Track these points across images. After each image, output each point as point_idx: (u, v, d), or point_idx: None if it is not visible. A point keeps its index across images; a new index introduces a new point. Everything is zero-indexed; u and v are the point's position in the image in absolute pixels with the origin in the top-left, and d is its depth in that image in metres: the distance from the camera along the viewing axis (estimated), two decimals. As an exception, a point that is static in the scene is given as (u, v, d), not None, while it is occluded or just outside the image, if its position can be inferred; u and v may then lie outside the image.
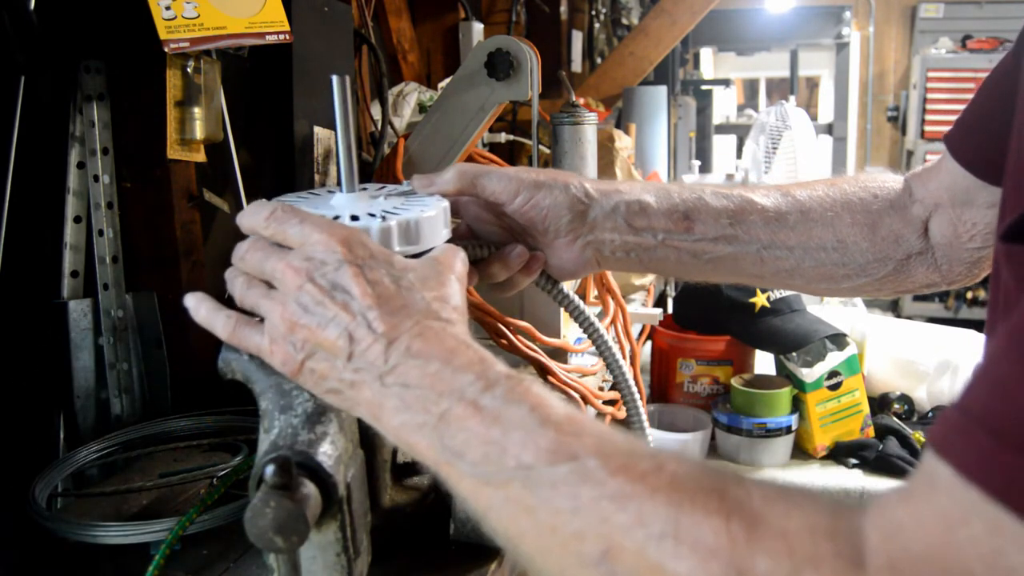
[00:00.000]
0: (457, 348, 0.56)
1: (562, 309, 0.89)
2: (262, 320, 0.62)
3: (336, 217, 0.65)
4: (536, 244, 0.77)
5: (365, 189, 0.74)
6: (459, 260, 0.65)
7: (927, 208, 0.81)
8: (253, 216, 0.64)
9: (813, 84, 8.79)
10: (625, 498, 0.46)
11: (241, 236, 0.68)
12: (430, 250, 0.66)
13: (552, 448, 0.50)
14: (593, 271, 0.80)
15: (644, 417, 0.84)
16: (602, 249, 0.77)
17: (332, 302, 0.57)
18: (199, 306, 0.66)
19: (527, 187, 0.75)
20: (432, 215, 0.68)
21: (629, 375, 0.80)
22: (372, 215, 0.66)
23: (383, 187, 0.77)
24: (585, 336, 0.84)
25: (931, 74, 6.01)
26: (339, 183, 0.70)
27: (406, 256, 0.63)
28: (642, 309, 1.73)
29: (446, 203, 0.72)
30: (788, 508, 0.44)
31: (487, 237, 0.77)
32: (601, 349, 0.79)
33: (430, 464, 0.56)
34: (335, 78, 0.65)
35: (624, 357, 1.59)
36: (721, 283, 0.90)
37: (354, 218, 0.65)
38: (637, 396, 0.81)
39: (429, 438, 0.54)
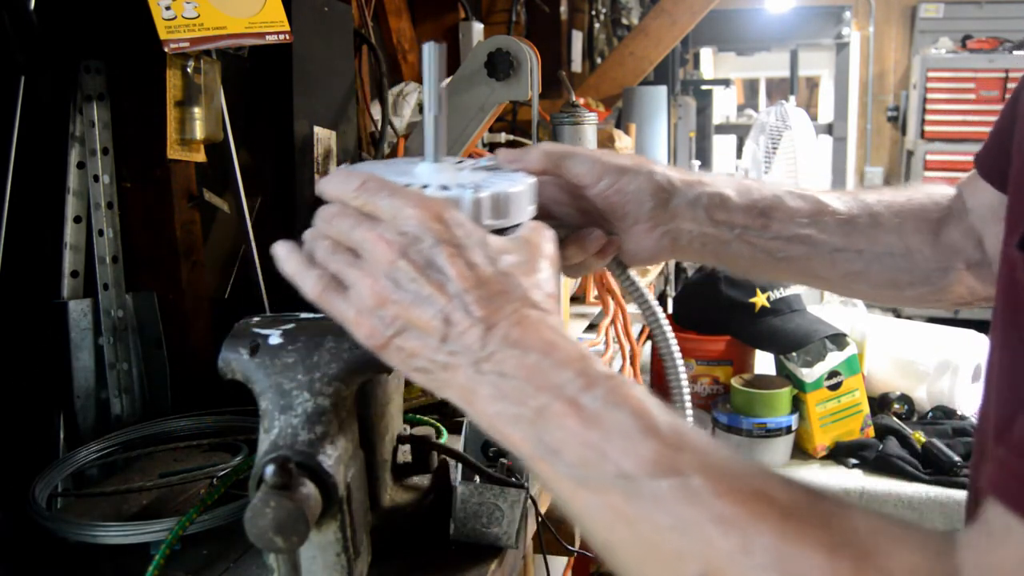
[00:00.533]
0: (556, 341, 0.55)
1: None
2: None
3: (424, 187, 0.63)
4: (612, 228, 0.76)
5: (447, 160, 0.71)
6: (550, 243, 0.63)
7: (979, 220, 0.81)
8: (342, 184, 0.60)
9: (813, 84, 8.79)
10: (729, 523, 0.46)
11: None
12: (516, 226, 0.64)
13: (655, 460, 0.49)
14: (666, 259, 0.80)
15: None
16: (679, 238, 0.76)
17: (427, 281, 0.55)
18: (288, 258, 0.61)
19: (611, 172, 0.73)
20: (522, 190, 0.66)
21: (684, 377, 0.79)
22: (462, 186, 0.63)
23: (464, 160, 0.75)
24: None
25: (931, 74, 6.01)
26: (424, 152, 0.68)
27: (492, 231, 0.61)
28: (642, 309, 1.73)
29: (533, 179, 0.70)
30: (891, 545, 0.44)
31: (562, 218, 0.75)
32: (660, 342, 0.77)
33: (524, 457, 0.55)
34: (429, 45, 0.63)
35: (624, 357, 1.59)
36: (790, 282, 0.90)
37: (444, 188, 0.63)
38: (689, 401, 0.81)
39: (525, 432, 0.53)
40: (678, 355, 0.77)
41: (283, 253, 0.62)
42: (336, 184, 0.61)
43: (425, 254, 0.56)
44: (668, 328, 0.77)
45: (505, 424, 0.54)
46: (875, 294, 0.85)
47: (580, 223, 0.75)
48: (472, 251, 0.57)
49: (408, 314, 0.56)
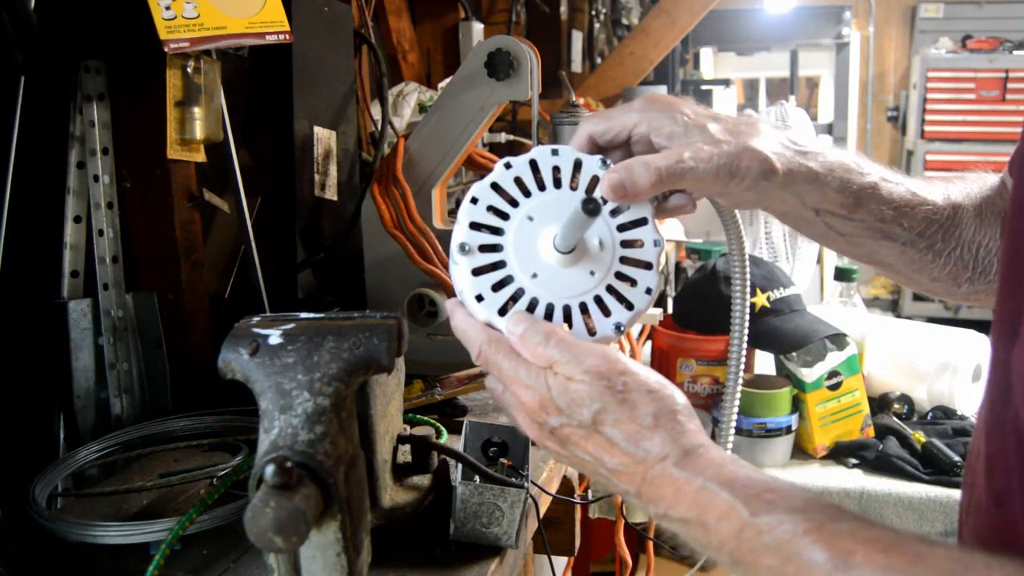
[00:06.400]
0: (715, 491, 0.58)
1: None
2: None
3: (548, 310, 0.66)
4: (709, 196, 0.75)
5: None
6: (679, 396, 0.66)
7: None
8: (465, 341, 0.68)
9: (813, 84, 8.78)
10: None
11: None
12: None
13: None
14: (751, 208, 0.80)
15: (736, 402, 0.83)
16: (767, 204, 0.75)
17: (572, 454, 0.64)
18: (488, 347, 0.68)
19: (723, 178, 0.68)
20: (643, 303, 0.68)
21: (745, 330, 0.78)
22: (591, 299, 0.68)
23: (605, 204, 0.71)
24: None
25: (931, 74, 6.01)
26: (555, 238, 0.67)
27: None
28: (642, 309, 1.73)
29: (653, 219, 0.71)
30: None
31: None
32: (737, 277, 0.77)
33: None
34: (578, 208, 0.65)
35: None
36: (851, 258, 0.88)
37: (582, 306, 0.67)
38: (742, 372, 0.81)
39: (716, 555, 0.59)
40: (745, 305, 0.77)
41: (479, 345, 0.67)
42: (461, 337, 0.68)
43: (560, 435, 0.64)
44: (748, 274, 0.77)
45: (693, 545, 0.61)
46: (932, 287, 0.84)
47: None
48: (575, 430, 0.63)
49: (568, 456, 0.64)
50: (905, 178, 0.79)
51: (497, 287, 0.65)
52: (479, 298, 0.65)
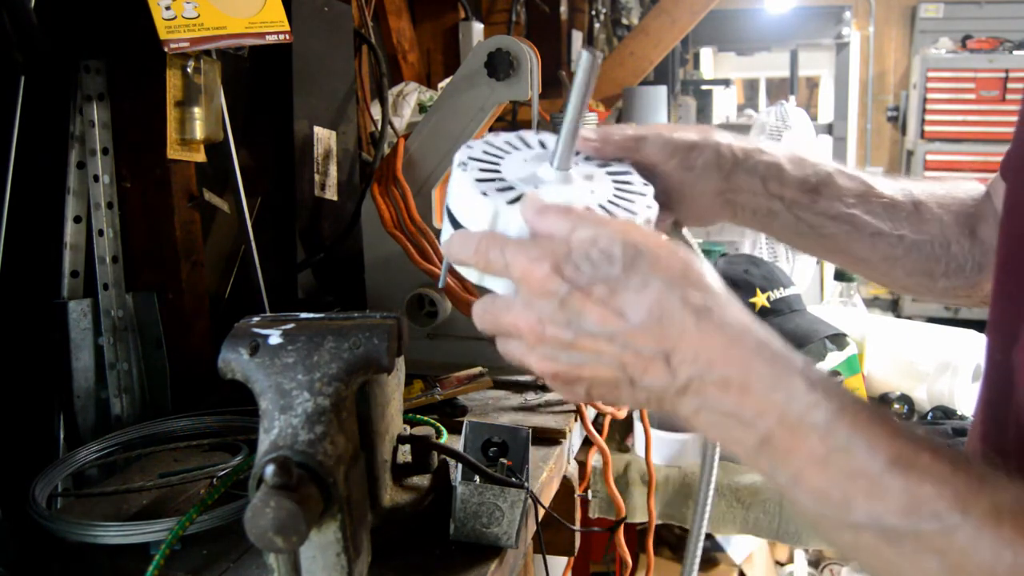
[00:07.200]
0: (748, 349, 0.51)
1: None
2: None
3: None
4: (675, 195, 0.76)
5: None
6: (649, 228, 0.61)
7: None
8: (458, 252, 0.60)
9: (813, 84, 8.79)
10: (1008, 575, 0.43)
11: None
12: None
13: (908, 504, 0.46)
14: (723, 222, 0.80)
15: None
16: (736, 204, 0.78)
17: (577, 343, 0.54)
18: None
19: (681, 150, 0.74)
20: (645, 214, 0.66)
21: None
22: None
23: (577, 155, 0.73)
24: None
25: (931, 74, 6.01)
26: (551, 158, 0.66)
27: None
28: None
29: (651, 188, 0.70)
30: None
31: None
32: None
33: (767, 480, 0.53)
34: (585, 53, 0.62)
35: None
36: (831, 260, 0.90)
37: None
38: None
39: (755, 459, 0.51)
40: None
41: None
42: (456, 250, 0.60)
43: (559, 317, 0.54)
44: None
45: (732, 446, 0.53)
46: (909, 282, 0.85)
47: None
48: (598, 286, 0.54)
49: (583, 375, 0.55)
50: (860, 172, 0.81)
51: (502, 191, 0.62)
52: (484, 195, 0.60)
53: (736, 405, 0.51)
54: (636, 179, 0.70)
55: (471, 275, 0.61)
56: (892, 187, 0.82)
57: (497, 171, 0.64)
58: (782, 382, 0.50)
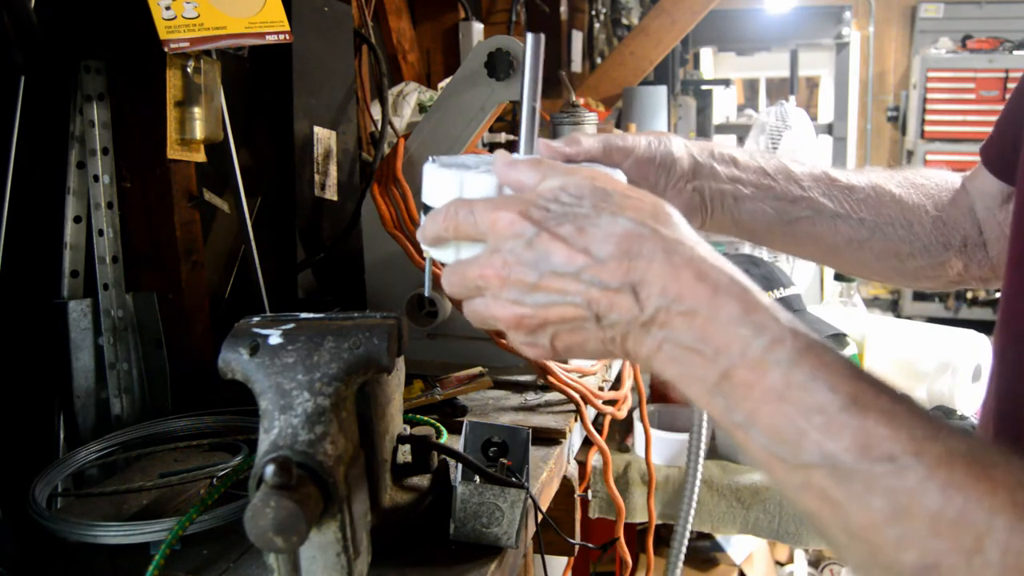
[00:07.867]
0: (718, 284, 0.51)
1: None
2: None
3: None
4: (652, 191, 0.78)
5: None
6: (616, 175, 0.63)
7: (982, 207, 0.86)
8: (431, 228, 0.60)
9: (813, 84, 8.79)
10: (954, 519, 0.43)
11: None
12: None
13: (862, 443, 0.45)
14: (698, 221, 0.81)
15: None
16: (704, 194, 0.80)
17: (546, 285, 0.53)
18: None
19: (651, 135, 0.78)
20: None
21: None
22: None
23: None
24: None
25: (931, 74, 6.01)
26: (518, 146, 0.68)
27: None
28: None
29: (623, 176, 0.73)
30: None
31: None
32: None
33: (715, 422, 0.52)
34: (530, 35, 0.63)
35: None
36: (802, 254, 0.91)
37: None
38: None
39: (711, 397, 0.50)
40: None
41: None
42: (428, 230, 0.60)
43: (526, 257, 0.54)
44: None
45: (689, 387, 0.52)
46: (878, 266, 0.87)
47: None
48: (565, 222, 0.54)
49: (548, 317, 0.54)
50: (808, 164, 0.85)
51: (468, 168, 0.64)
52: (449, 168, 0.62)
53: (700, 338, 0.50)
54: (604, 168, 0.72)
55: (447, 255, 0.61)
56: (848, 174, 0.85)
57: (465, 163, 0.66)
58: (748, 317, 0.50)
